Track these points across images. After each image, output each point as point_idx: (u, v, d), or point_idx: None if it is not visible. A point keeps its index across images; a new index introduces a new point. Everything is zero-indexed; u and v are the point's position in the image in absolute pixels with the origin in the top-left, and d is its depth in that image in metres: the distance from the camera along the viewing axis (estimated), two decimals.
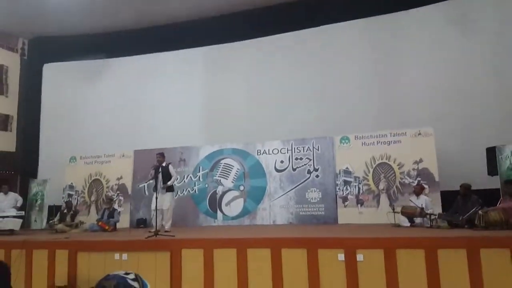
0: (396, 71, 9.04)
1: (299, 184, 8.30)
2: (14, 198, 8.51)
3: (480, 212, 5.27)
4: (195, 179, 9.02)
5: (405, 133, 7.84)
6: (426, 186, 7.32)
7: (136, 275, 1.09)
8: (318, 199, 8.12)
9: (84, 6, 9.97)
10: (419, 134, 7.72)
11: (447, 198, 7.04)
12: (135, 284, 1.05)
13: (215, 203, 8.75)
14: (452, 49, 8.65)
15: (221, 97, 10.34)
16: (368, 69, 9.28)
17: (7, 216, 7.42)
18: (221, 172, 8.89)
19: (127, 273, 1.09)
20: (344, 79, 9.39)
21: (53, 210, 9.39)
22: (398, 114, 8.67)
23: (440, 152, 7.55)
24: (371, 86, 9.16)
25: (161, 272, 4.81)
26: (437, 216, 6.00)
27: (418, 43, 8.96)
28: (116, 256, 5.12)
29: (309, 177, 8.29)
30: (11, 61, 11.44)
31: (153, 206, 6.73)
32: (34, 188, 10.16)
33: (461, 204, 6.10)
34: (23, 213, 8.17)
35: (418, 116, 8.46)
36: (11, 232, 7.26)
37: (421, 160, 7.57)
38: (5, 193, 8.41)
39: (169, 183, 6.90)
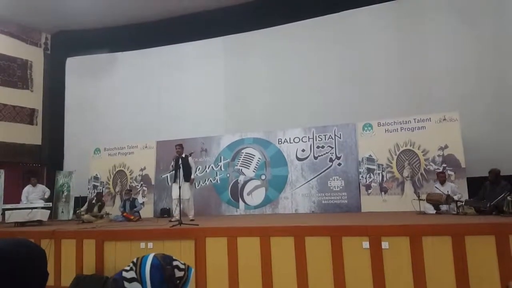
0: (420, 54, 8.80)
1: (321, 173, 8.27)
2: (42, 190, 8.79)
3: (508, 198, 5.13)
4: (217, 169, 9.11)
5: (430, 118, 7.67)
6: (451, 173, 7.17)
7: (134, 261, 1.09)
8: (341, 187, 8.08)
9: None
10: (444, 119, 7.53)
11: (474, 184, 6.88)
12: (129, 274, 1.05)
13: (237, 193, 8.83)
14: (478, 30, 8.34)
15: (241, 86, 10.34)
16: (391, 54, 9.07)
17: (36, 208, 7.68)
18: (242, 161, 8.94)
19: (128, 266, 1.10)
20: (366, 65, 9.22)
21: (79, 201, 9.68)
22: (423, 99, 8.48)
23: (466, 138, 7.37)
24: (395, 71, 8.96)
25: (186, 259, 4.89)
26: (463, 203, 5.89)
27: (444, 24, 8.67)
28: (142, 244, 5.26)
29: (331, 165, 8.24)
30: (35, 56, 11.73)
31: (174, 196, 6.90)
32: (60, 180, 10.47)
33: (488, 190, 5.94)
34: (50, 204, 8.45)
35: (443, 100, 8.24)
36: (39, 222, 7.53)
37: (446, 146, 7.41)
38: (34, 185, 8.69)
39: (192, 176, 7.04)
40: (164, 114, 10.68)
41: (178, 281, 1.09)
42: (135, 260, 1.09)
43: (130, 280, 1.04)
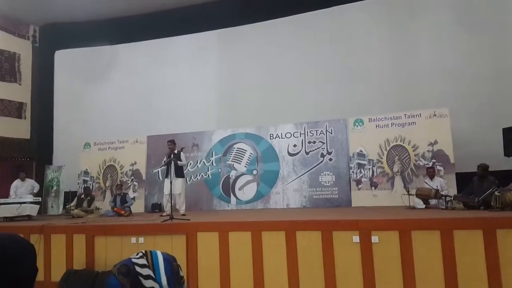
0: (411, 50, 8.86)
1: (312, 168, 8.31)
2: (31, 184, 8.70)
3: (496, 193, 5.21)
4: (208, 164, 9.09)
5: (420, 114, 7.74)
6: (441, 168, 7.26)
7: (143, 252, 1.13)
8: (332, 182, 8.13)
9: None
10: (434, 115, 7.61)
11: (463, 179, 6.96)
12: (140, 261, 1.08)
13: (228, 188, 8.83)
14: (470, 26, 8.41)
15: (233, 81, 10.31)
16: (382, 50, 9.11)
17: (25, 202, 7.61)
18: (234, 156, 8.94)
19: (136, 254, 1.14)
20: (357, 60, 9.25)
21: (69, 195, 9.60)
22: (413, 95, 8.53)
23: (456, 133, 7.45)
24: (386, 67, 9.01)
25: (177, 254, 4.88)
26: (452, 198, 5.96)
27: (436, 21, 8.73)
28: (133, 239, 5.23)
29: (322, 161, 8.28)
30: (23, 48, 11.54)
31: (166, 191, 6.89)
32: (49, 174, 10.37)
33: (476, 185, 6.03)
34: (40, 199, 8.37)
35: (433, 97, 8.31)
36: (29, 217, 7.47)
37: (436, 142, 7.49)
38: (23, 180, 8.60)
39: (179, 163, 7.02)
40: (155, 109, 10.61)
41: (182, 280, 1.15)
42: (143, 251, 1.13)
43: (142, 266, 1.08)
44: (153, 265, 1.10)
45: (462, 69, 8.31)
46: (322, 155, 8.30)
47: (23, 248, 1.04)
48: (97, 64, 11.44)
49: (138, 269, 1.08)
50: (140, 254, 1.13)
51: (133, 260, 1.10)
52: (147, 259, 1.10)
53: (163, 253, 1.16)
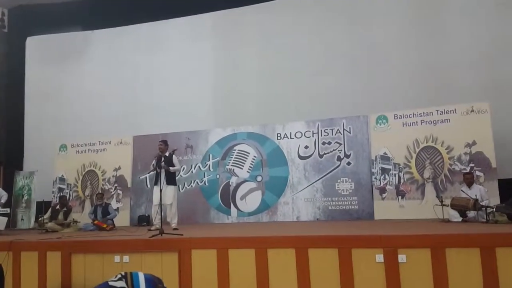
0: (442, 35, 8.82)
1: (328, 174, 8.27)
2: None
3: None
4: (205, 169, 9.09)
5: (455, 110, 7.68)
6: (480, 174, 7.20)
7: (122, 273, 1.15)
8: (350, 190, 8.09)
9: None
10: (472, 111, 7.55)
11: (506, 187, 6.92)
12: (118, 283, 1.09)
13: (228, 197, 8.82)
14: (509, 6, 8.35)
15: (233, 71, 10.31)
16: (408, 34, 9.07)
17: None
18: (234, 160, 8.93)
19: (115, 277, 1.16)
20: (379, 47, 9.22)
21: (42, 206, 9.61)
22: (446, 88, 8.49)
23: (498, 133, 7.39)
24: (413, 54, 8.97)
25: (169, 275, 4.89)
26: (494, 209, 5.90)
27: (468, 2, 8.68)
28: (116, 258, 5.22)
29: (339, 165, 8.24)
30: None
31: (155, 201, 6.88)
32: (19, 181, 10.42)
33: None
34: (8, 210, 8.42)
35: (470, 89, 8.26)
36: None
37: (474, 143, 7.43)
38: None
39: (171, 169, 7.01)
40: (142, 105, 10.63)
41: None
42: (122, 272, 1.18)
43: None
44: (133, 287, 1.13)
45: (503, 57, 8.25)
46: (339, 159, 8.26)
47: None
48: (75, 53, 11.50)
49: None
50: (119, 276, 1.14)
51: (110, 283, 1.10)
52: (126, 282, 1.11)
53: (146, 274, 1.17)
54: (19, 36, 11.91)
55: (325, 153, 8.39)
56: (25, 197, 10.23)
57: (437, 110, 7.82)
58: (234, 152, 8.98)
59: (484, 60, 8.38)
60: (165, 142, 7.29)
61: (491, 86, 8.11)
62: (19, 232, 8.48)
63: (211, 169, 9.06)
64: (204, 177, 9.07)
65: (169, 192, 7.05)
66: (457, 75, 8.51)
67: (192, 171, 9.16)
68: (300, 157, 8.53)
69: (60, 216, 8.26)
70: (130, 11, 11.06)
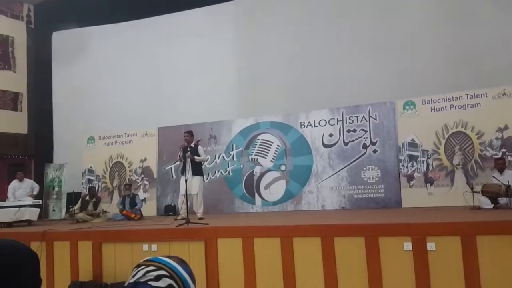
0: (470, 15, 8.52)
1: (353, 162, 8.18)
2: (30, 185, 9.01)
3: None
4: (228, 159, 9.13)
5: (486, 93, 7.45)
6: None
7: (166, 273, 1.08)
8: (377, 178, 7.99)
9: None
10: (504, 94, 7.32)
11: None
12: (161, 283, 1.05)
13: (252, 186, 8.85)
14: None
15: (256, 60, 10.24)
16: (435, 15, 8.81)
17: (24, 206, 7.88)
18: (258, 149, 8.93)
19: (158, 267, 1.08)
20: (405, 29, 8.98)
21: (72, 197, 9.89)
22: (476, 71, 8.23)
23: None
24: (440, 36, 8.71)
25: (195, 264, 4.96)
26: None
27: None
28: (145, 247, 5.35)
29: (365, 153, 8.14)
30: (16, 31, 11.89)
31: (181, 191, 6.97)
32: (50, 173, 10.72)
33: None
34: (40, 201, 8.68)
35: (501, 71, 7.97)
36: (28, 222, 7.75)
37: (506, 127, 7.22)
38: (20, 180, 8.91)
39: (197, 158, 7.08)
40: (165, 96, 10.72)
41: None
42: (151, 268, 1.06)
43: None
44: (180, 280, 1.07)
45: None
46: (365, 146, 8.16)
47: (25, 256, 1.07)
48: (99, 46, 11.66)
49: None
50: (155, 273, 1.06)
51: (154, 284, 1.05)
52: (170, 276, 1.07)
53: (173, 257, 1.13)
54: (45, 31, 12.15)
55: (350, 141, 8.29)
56: (56, 189, 10.52)
57: (467, 94, 7.59)
58: (257, 142, 8.98)
59: None
60: (190, 133, 7.34)
61: None
62: (51, 222, 8.74)
63: (235, 159, 9.09)
64: (228, 167, 9.11)
65: (195, 182, 7.13)
66: (487, 58, 8.23)
67: (216, 161, 9.22)
68: (325, 146, 8.46)
69: (90, 207, 8.47)
70: (154, 3, 11.11)
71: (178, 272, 1.07)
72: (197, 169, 7.22)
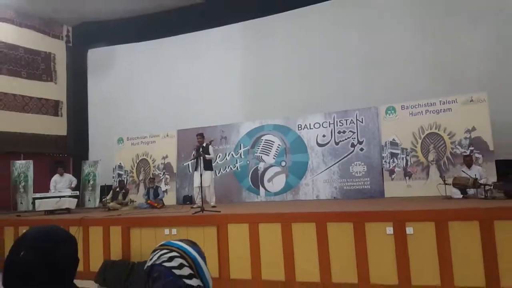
0: (443, 32, 8.48)
1: (343, 158, 8.16)
2: (69, 179, 9.07)
3: None
4: (237, 156, 9.14)
5: (456, 100, 7.40)
6: (479, 156, 6.95)
7: (178, 254, 1.05)
8: (363, 172, 7.96)
9: None
10: (471, 100, 7.25)
11: (503, 167, 6.64)
12: (184, 271, 1.04)
13: (257, 180, 8.85)
14: (503, 2, 7.94)
15: (260, 72, 10.26)
16: (412, 32, 8.77)
17: (64, 196, 7.95)
18: (262, 148, 8.93)
19: (171, 255, 1.05)
20: (386, 45, 8.97)
21: (105, 189, 9.94)
22: (448, 80, 8.18)
23: (495, 120, 7.07)
24: (417, 50, 8.67)
25: (209, 245, 4.99)
26: (492, 186, 5.67)
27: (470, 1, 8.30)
28: (166, 231, 5.37)
29: (353, 151, 8.12)
30: (57, 48, 11.99)
31: (195, 184, 7.01)
32: (86, 169, 10.77)
33: None
34: (77, 193, 8.73)
35: (470, 81, 7.93)
36: (67, 210, 7.81)
37: (473, 129, 7.15)
38: (61, 175, 8.98)
39: (207, 156, 7.11)
40: (183, 103, 10.74)
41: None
42: (164, 251, 1.05)
43: (189, 277, 1.03)
44: (196, 268, 1.05)
45: (499, 50, 7.88)
46: (353, 145, 8.13)
47: (65, 239, 1.10)
48: (128, 61, 11.72)
49: (187, 281, 1.02)
50: (179, 261, 1.03)
51: (177, 272, 1.01)
52: (190, 266, 1.05)
53: (189, 244, 1.10)
54: (82, 49, 12.22)
55: (340, 141, 8.27)
56: (91, 182, 10.57)
57: (440, 101, 7.55)
58: (261, 142, 8.98)
59: (482, 55, 8.01)
60: (201, 135, 7.36)
61: (489, 78, 7.75)
62: (87, 210, 8.79)
63: (242, 156, 9.10)
64: (237, 163, 9.12)
65: (207, 176, 7.14)
66: (458, 69, 8.19)
67: (226, 158, 9.23)
68: (319, 145, 8.44)
69: (120, 197, 8.50)
70: (174, 24, 11.16)
71: (188, 252, 1.06)
72: (208, 165, 7.24)
